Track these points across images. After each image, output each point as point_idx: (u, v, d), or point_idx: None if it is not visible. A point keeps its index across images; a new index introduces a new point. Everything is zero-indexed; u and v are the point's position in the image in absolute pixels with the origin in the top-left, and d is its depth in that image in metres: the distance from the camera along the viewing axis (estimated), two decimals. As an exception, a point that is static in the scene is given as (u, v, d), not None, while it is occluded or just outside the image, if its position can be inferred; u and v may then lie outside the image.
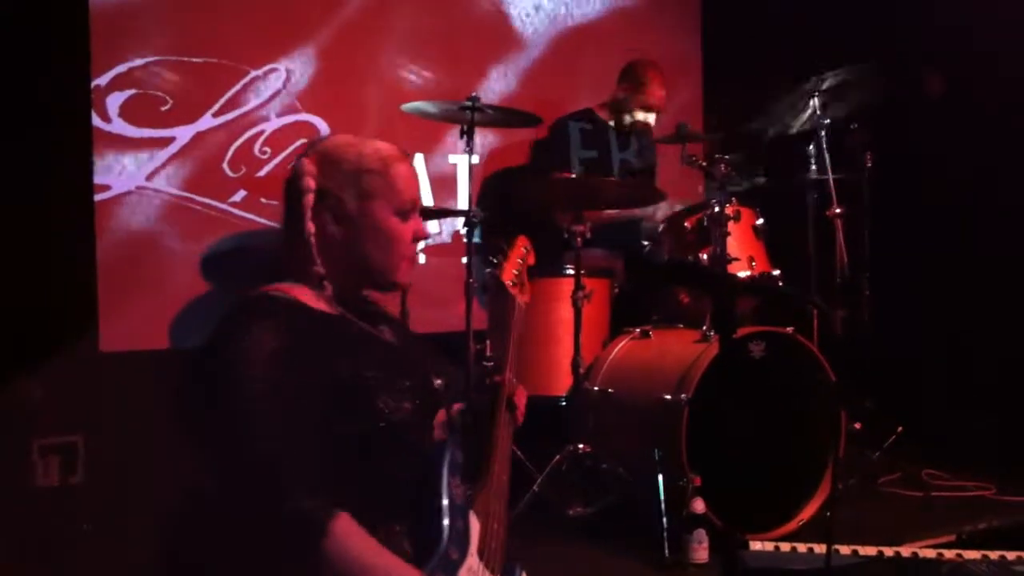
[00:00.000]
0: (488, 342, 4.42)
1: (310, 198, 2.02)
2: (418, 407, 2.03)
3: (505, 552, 2.16)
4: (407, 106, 4.48)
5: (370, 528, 1.88)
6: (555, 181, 4.49)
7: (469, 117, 4.34)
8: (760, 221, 4.28)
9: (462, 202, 5.31)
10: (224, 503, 1.91)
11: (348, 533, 1.83)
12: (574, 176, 4.70)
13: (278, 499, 1.80)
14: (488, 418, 2.29)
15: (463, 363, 4.14)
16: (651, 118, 5.04)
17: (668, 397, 3.70)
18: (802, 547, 2.47)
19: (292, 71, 5.03)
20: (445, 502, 2.02)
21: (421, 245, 5.23)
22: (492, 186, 5.39)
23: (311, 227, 2.01)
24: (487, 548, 2.08)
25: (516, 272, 2.51)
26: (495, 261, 2.53)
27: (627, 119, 5.02)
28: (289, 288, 2.01)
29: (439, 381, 2.16)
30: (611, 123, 5.09)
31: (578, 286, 4.03)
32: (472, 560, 2.03)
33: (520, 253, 2.55)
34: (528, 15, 5.72)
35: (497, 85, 5.54)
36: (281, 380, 1.86)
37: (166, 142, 4.75)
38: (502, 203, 5.03)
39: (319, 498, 1.82)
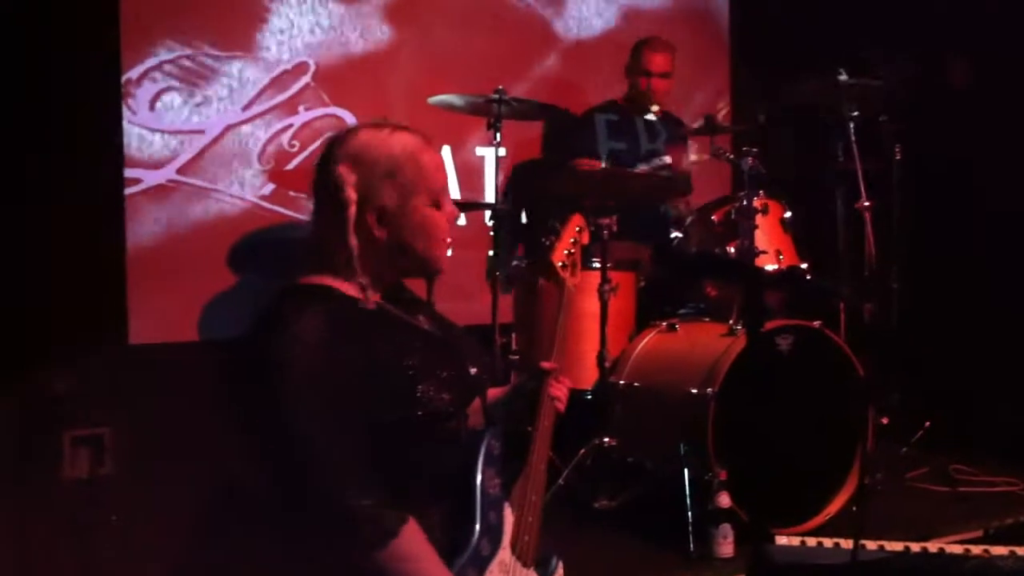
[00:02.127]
0: (513, 335, 4.44)
1: (353, 211, 2.02)
2: (455, 396, 2.04)
3: (539, 544, 2.17)
4: (434, 99, 4.49)
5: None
6: (581, 173, 4.49)
7: (496, 110, 4.35)
8: (788, 214, 4.26)
9: (489, 194, 5.32)
10: (279, 498, 1.91)
11: (412, 540, 1.87)
12: (600, 167, 4.68)
13: (350, 502, 1.83)
14: (533, 406, 2.29)
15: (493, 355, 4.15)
16: (654, 109, 4.99)
17: (695, 391, 3.69)
18: (828, 542, 2.46)
19: (320, 65, 5.05)
20: (479, 495, 2.03)
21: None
22: (519, 179, 5.38)
23: (354, 241, 2.01)
24: (520, 541, 2.10)
25: (568, 252, 2.44)
26: (547, 243, 2.48)
27: (645, 101, 4.99)
28: (329, 281, 2.02)
29: (475, 369, 2.17)
30: (642, 112, 5.06)
31: (604, 279, 4.03)
32: (504, 553, 2.04)
33: (573, 233, 2.47)
34: (554, 9, 5.71)
35: (523, 81, 5.54)
36: (331, 371, 1.88)
37: (196, 135, 4.79)
38: (529, 195, 5.01)
39: (389, 501, 1.85)
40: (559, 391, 2.32)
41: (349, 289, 2.02)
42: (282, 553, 1.94)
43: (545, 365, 2.33)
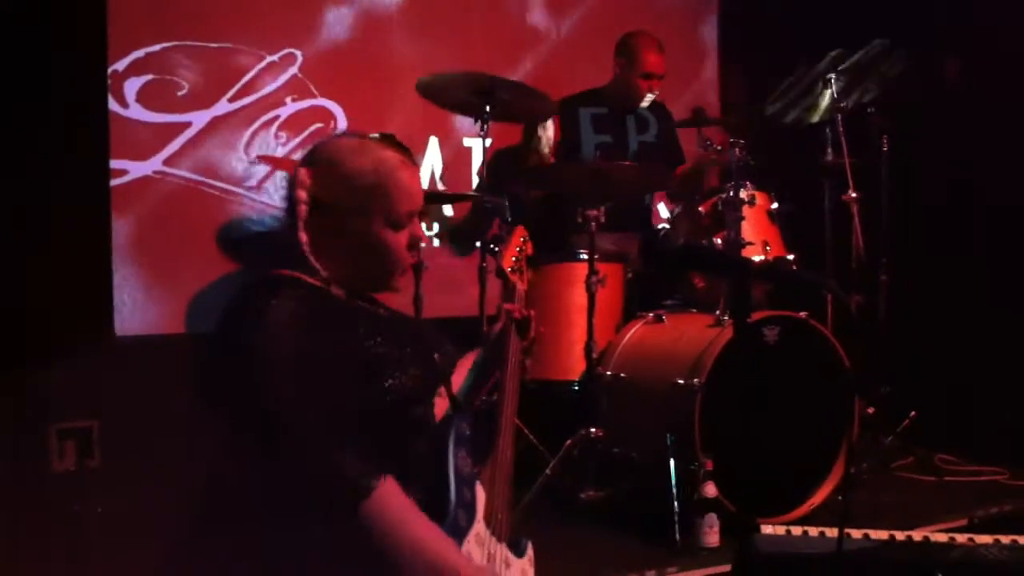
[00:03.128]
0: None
1: (303, 209, 2.05)
2: (421, 382, 2.07)
3: (511, 521, 2.22)
4: (421, 86, 4.47)
5: None
6: (570, 167, 4.49)
7: (484, 101, 4.35)
8: (775, 205, 4.28)
9: (476, 185, 5.31)
10: (258, 476, 1.91)
11: (391, 493, 1.87)
12: (588, 161, 4.68)
13: (325, 461, 1.83)
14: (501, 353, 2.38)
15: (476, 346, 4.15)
16: (649, 97, 4.97)
17: (681, 382, 3.70)
18: (814, 531, 2.47)
19: (308, 56, 5.03)
20: (452, 472, 2.07)
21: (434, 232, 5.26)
22: (499, 169, 5.36)
23: (304, 237, 2.04)
24: (493, 517, 2.14)
25: (515, 259, 2.59)
26: (496, 249, 2.62)
27: (639, 99, 4.97)
28: (296, 273, 2.05)
29: (437, 356, 2.20)
30: (632, 107, 5.03)
31: (592, 271, 4.03)
32: (479, 527, 2.09)
33: (518, 242, 2.63)
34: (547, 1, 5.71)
35: (512, 68, 5.53)
36: (300, 352, 1.89)
37: (183, 127, 4.78)
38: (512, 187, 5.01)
39: (364, 460, 1.86)
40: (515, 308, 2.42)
41: (315, 281, 2.05)
42: (268, 543, 1.94)
43: (507, 306, 2.43)
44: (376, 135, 2.18)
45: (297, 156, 4.83)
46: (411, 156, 2.16)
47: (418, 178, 2.17)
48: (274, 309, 1.91)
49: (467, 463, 2.12)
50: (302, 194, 2.05)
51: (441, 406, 2.25)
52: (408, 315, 2.36)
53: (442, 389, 2.25)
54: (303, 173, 2.06)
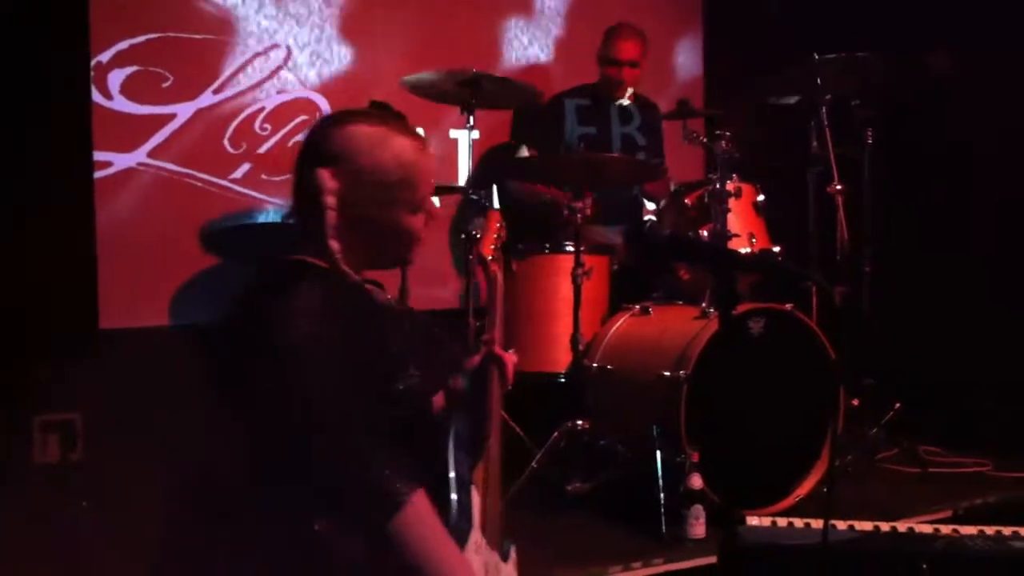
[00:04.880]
0: (487, 319, 4.43)
1: (331, 215, 1.96)
2: (427, 379, 2.02)
3: (502, 526, 2.17)
4: (408, 78, 4.46)
5: None
6: (555, 158, 4.48)
7: (470, 94, 4.34)
8: (761, 197, 4.28)
9: (462, 179, 5.30)
10: (276, 475, 1.84)
11: (423, 509, 1.82)
12: (570, 153, 4.68)
13: (363, 467, 1.77)
14: (483, 389, 2.31)
15: (462, 339, 4.14)
16: (630, 91, 4.95)
17: (667, 374, 3.70)
18: (799, 522, 2.48)
19: (292, 48, 5.01)
20: (453, 476, 2.01)
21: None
22: (488, 163, 5.36)
23: (336, 245, 1.97)
24: (488, 522, 2.09)
25: (493, 247, 2.58)
26: (477, 236, 2.60)
27: (620, 92, 4.96)
28: (313, 260, 1.98)
29: (438, 352, 2.16)
30: (613, 99, 5.04)
31: (577, 263, 4.03)
32: (476, 534, 2.03)
33: (495, 228, 2.61)
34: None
35: (497, 62, 5.52)
36: (337, 344, 1.82)
37: (167, 119, 4.75)
38: (497, 179, 4.99)
39: (400, 468, 1.80)
40: (505, 357, 2.35)
41: (332, 268, 1.98)
42: (271, 543, 1.88)
43: (486, 338, 2.38)
44: (371, 109, 2.14)
45: (289, 144, 4.83)
46: (412, 130, 2.12)
47: (432, 157, 2.15)
48: (306, 296, 1.85)
49: (464, 466, 2.07)
50: (330, 200, 1.96)
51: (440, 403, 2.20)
52: (407, 306, 2.31)
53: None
54: (325, 176, 1.97)
